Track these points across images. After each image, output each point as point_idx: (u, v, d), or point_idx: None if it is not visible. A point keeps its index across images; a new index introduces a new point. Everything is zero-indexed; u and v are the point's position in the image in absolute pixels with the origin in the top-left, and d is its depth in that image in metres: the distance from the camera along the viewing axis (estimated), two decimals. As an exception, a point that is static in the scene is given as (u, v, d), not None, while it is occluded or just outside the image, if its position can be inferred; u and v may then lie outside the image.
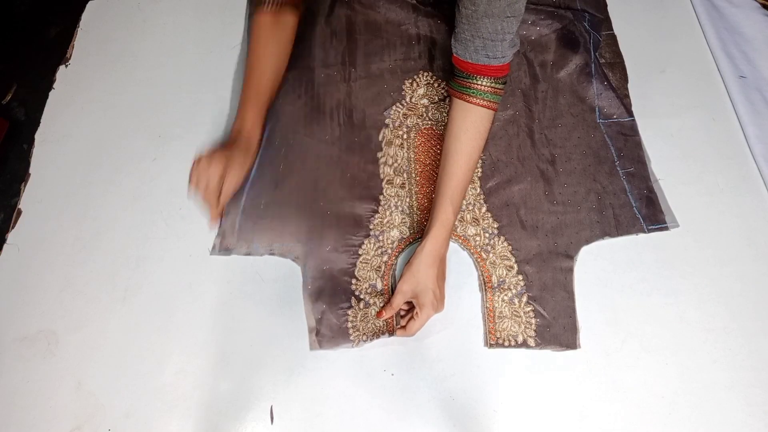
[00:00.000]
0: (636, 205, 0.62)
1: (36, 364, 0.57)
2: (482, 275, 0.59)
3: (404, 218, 0.62)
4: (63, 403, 0.55)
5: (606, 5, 0.76)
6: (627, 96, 0.69)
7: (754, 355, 0.54)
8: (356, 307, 0.58)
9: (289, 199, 0.63)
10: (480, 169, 0.65)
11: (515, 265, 0.59)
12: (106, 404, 0.55)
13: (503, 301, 0.58)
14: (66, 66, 0.77)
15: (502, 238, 0.61)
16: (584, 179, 0.64)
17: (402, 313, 0.58)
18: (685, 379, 0.54)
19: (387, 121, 0.68)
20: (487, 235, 0.61)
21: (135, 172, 0.68)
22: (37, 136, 0.71)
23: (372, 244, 0.61)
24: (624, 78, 0.70)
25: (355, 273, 0.60)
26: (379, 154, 0.66)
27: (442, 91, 0.70)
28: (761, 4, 0.77)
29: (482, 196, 0.63)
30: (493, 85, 0.55)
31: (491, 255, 0.60)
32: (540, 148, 0.66)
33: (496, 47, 0.52)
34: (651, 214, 0.61)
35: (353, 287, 0.59)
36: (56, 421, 0.55)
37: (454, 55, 0.56)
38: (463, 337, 0.57)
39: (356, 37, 0.74)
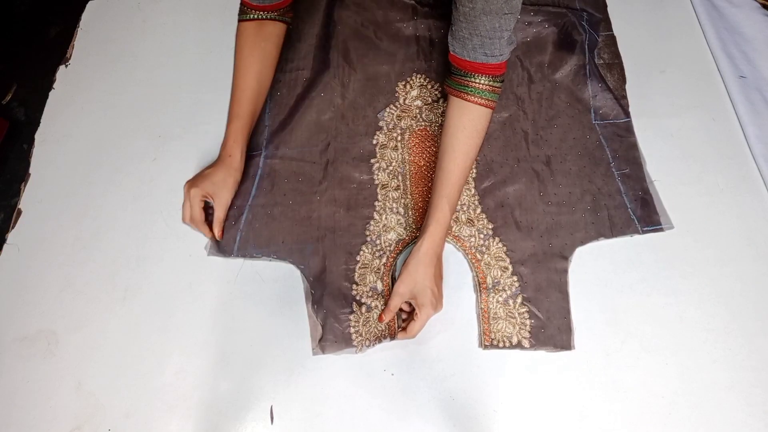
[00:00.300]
0: (631, 206, 0.62)
1: (36, 364, 0.57)
2: (477, 276, 0.59)
3: (400, 220, 0.62)
4: (63, 403, 0.55)
5: (606, 5, 0.76)
6: (624, 97, 0.69)
7: (754, 355, 0.54)
8: (358, 312, 0.58)
9: (285, 211, 0.63)
10: (475, 170, 0.65)
11: (510, 266, 0.59)
12: (106, 404, 0.55)
13: (498, 302, 0.58)
14: (66, 66, 0.77)
15: (497, 239, 0.61)
16: (579, 180, 0.64)
17: (404, 316, 0.58)
18: (685, 379, 0.54)
19: (381, 123, 0.68)
20: (481, 236, 0.61)
21: (135, 172, 0.68)
22: (37, 136, 0.71)
23: (370, 249, 0.61)
24: (622, 79, 0.70)
25: (355, 278, 0.59)
26: (373, 160, 0.66)
27: (436, 93, 0.70)
28: (761, 4, 0.77)
29: (477, 197, 0.63)
30: (491, 83, 0.55)
31: (486, 256, 0.60)
32: (535, 149, 0.66)
33: (494, 45, 0.52)
34: (646, 216, 0.61)
35: (354, 292, 0.59)
36: (56, 421, 0.54)
37: (452, 53, 0.56)
38: (463, 337, 0.57)
39: (353, 37, 0.73)
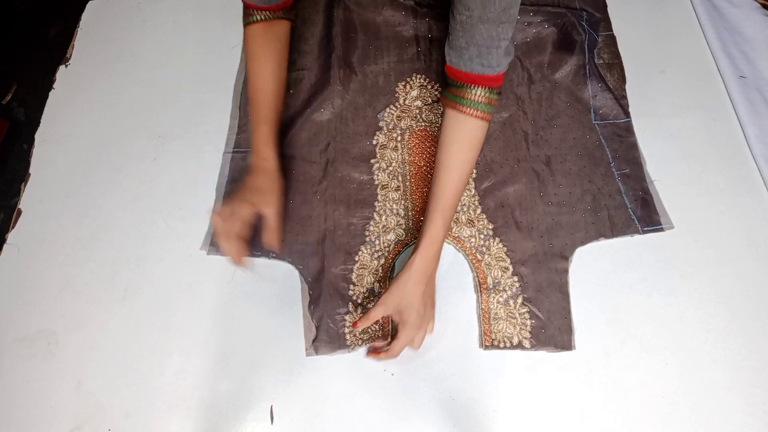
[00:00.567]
0: (631, 206, 0.62)
1: (36, 364, 0.57)
2: (477, 277, 0.59)
3: (400, 221, 0.62)
4: (63, 403, 0.55)
5: (605, 5, 0.76)
6: (624, 97, 0.69)
7: (754, 355, 0.54)
8: (354, 313, 0.58)
9: (284, 210, 0.62)
10: (475, 170, 0.64)
11: (510, 267, 0.59)
12: (106, 404, 0.55)
13: (498, 302, 0.58)
14: (66, 66, 0.77)
15: (498, 239, 0.61)
16: (579, 180, 0.64)
17: (375, 326, 0.57)
18: (685, 379, 0.54)
19: (381, 123, 0.68)
20: (482, 236, 0.61)
21: (135, 172, 0.68)
22: (37, 136, 0.71)
23: (369, 250, 0.61)
24: (622, 79, 0.70)
25: (353, 279, 0.59)
26: (373, 161, 0.66)
27: (436, 93, 0.70)
28: (761, 4, 0.77)
29: (477, 198, 0.63)
30: (487, 95, 0.53)
31: (486, 256, 0.60)
32: (535, 149, 0.66)
33: (491, 54, 0.51)
34: (646, 216, 0.61)
35: (351, 293, 0.59)
36: (56, 421, 0.54)
37: (448, 64, 0.55)
38: (463, 337, 0.57)
39: (353, 38, 0.73)
